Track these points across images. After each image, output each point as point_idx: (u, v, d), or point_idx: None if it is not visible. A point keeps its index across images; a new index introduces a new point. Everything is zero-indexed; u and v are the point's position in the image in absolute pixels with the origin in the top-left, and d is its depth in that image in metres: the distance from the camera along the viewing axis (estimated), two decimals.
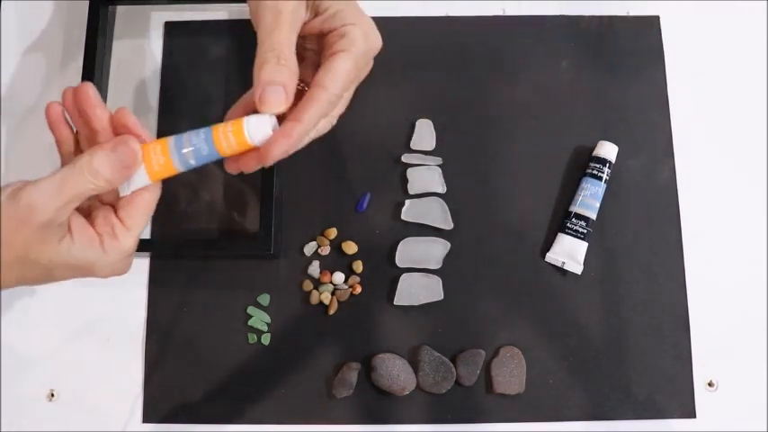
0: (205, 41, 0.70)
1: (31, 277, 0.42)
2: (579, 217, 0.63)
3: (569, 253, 0.63)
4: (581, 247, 0.63)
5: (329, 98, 0.44)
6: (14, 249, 0.40)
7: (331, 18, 0.46)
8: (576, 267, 0.63)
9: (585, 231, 0.63)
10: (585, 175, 0.64)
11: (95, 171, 0.40)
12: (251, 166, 0.45)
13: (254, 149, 0.43)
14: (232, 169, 0.45)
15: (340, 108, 0.48)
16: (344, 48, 0.45)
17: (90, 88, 0.43)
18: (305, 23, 0.46)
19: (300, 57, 0.46)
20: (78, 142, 0.45)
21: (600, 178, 0.64)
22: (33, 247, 0.40)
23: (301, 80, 0.46)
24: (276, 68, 0.43)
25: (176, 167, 0.43)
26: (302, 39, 0.47)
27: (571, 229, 0.63)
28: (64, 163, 0.45)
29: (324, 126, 0.48)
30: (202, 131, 0.43)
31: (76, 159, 0.41)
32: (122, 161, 0.41)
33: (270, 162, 0.43)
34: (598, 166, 0.64)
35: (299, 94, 0.45)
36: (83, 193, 0.41)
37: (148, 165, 0.43)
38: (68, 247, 0.41)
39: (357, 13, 0.46)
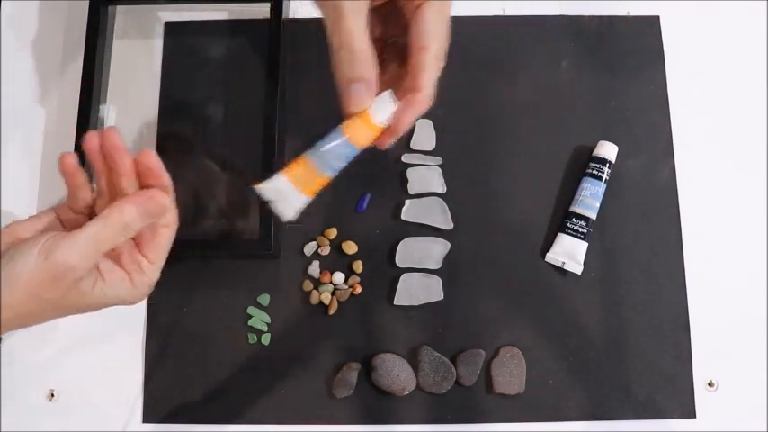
0: (205, 41, 0.70)
1: (64, 314, 0.44)
2: (579, 217, 0.63)
3: (569, 253, 0.63)
4: (581, 247, 0.63)
5: (435, 55, 0.44)
6: (50, 302, 0.42)
7: None
8: (576, 267, 0.63)
9: (585, 231, 0.63)
10: (585, 175, 0.65)
11: (127, 225, 0.43)
12: (386, 143, 0.47)
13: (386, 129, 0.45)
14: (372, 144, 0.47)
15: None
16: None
17: (117, 136, 0.44)
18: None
19: (381, 13, 0.46)
20: (89, 183, 0.47)
21: (600, 178, 0.64)
22: (68, 296, 0.42)
23: (391, 35, 0.47)
24: (351, 66, 0.43)
25: (329, 177, 0.45)
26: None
27: (571, 229, 0.63)
28: (71, 196, 0.46)
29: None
30: (337, 139, 0.44)
31: (107, 214, 0.42)
32: (151, 213, 0.44)
33: (401, 133, 0.46)
34: (598, 166, 0.64)
35: (402, 49, 0.45)
36: (115, 244, 0.43)
37: (303, 185, 0.44)
38: (101, 289, 0.44)
39: None
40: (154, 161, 0.44)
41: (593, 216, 0.64)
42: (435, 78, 0.45)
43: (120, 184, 0.44)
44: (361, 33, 0.43)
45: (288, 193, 0.46)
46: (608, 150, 0.64)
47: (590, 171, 0.64)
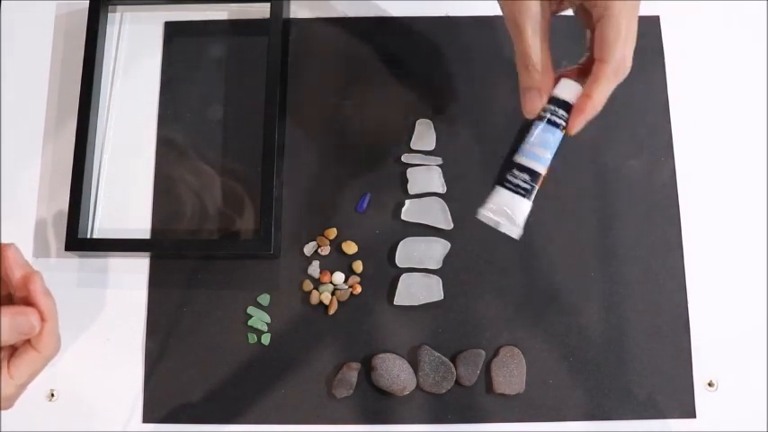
0: (205, 41, 0.70)
1: None
2: (522, 168, 0.50)
3: (506, 212, 0.50)
4: (522, 205, 0.50)
5: (614, 69, 0.47)
6: None
7: None
8: (514, 230, 0.50)
9: (528, 187, 0.50)
10: (537, 118, 0.50)
11: None
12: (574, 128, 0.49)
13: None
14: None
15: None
16: (603, 13, 0.47)
17: (13, 251, 0.45)
18: (555, 10, 0.50)
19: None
20: None
21: (557, 124, 0.49)
22: None
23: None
24: (527, 76, 0.49)
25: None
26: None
27: (510, 182, 0.50)
28: None
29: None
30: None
31: None
32: (19, 329, 0.44)
33: (575, 130, 0.49)
34: (552, 107, 0.50)
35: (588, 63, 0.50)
36: None
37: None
38: None
39: None
40: (36, 285, 0.45)
41: (541, 170, 0.50)
42: (609, 90, 0.48)
43: (8, 290, 0.46)
44: (537, 49, 0.49)
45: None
46: (570, 90, 0.50)
47: (543, 114, 0.50)
